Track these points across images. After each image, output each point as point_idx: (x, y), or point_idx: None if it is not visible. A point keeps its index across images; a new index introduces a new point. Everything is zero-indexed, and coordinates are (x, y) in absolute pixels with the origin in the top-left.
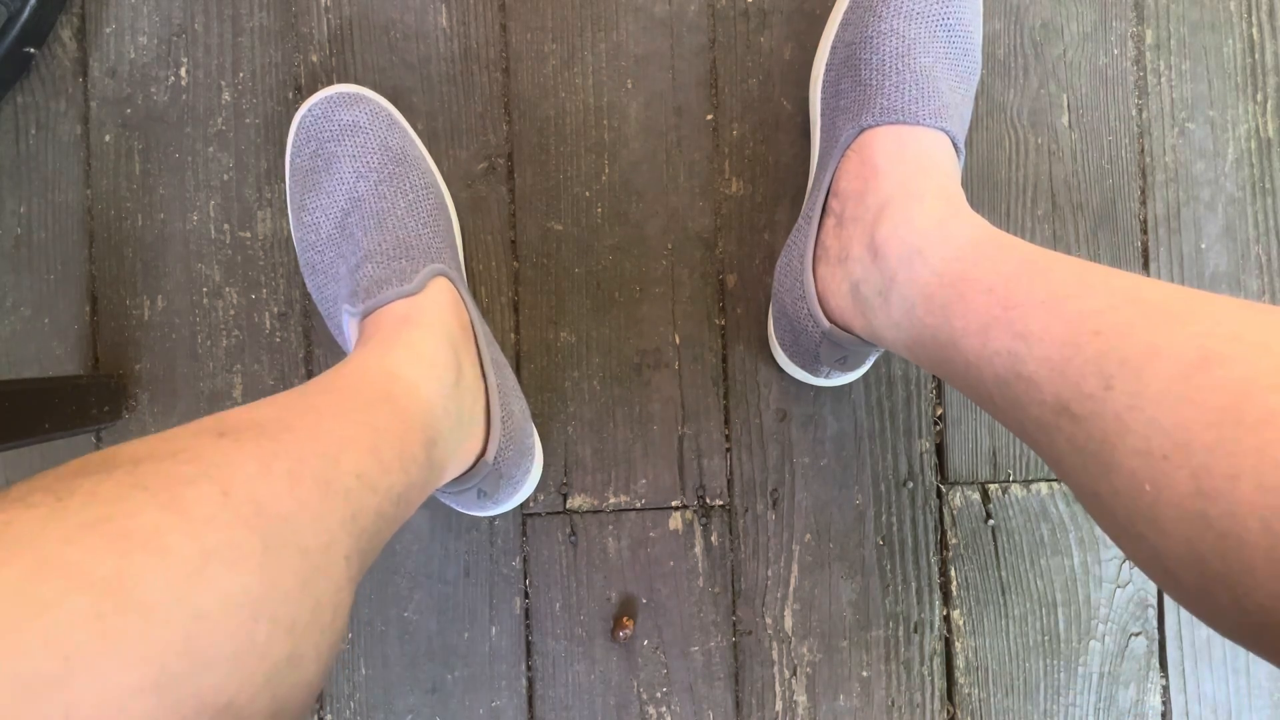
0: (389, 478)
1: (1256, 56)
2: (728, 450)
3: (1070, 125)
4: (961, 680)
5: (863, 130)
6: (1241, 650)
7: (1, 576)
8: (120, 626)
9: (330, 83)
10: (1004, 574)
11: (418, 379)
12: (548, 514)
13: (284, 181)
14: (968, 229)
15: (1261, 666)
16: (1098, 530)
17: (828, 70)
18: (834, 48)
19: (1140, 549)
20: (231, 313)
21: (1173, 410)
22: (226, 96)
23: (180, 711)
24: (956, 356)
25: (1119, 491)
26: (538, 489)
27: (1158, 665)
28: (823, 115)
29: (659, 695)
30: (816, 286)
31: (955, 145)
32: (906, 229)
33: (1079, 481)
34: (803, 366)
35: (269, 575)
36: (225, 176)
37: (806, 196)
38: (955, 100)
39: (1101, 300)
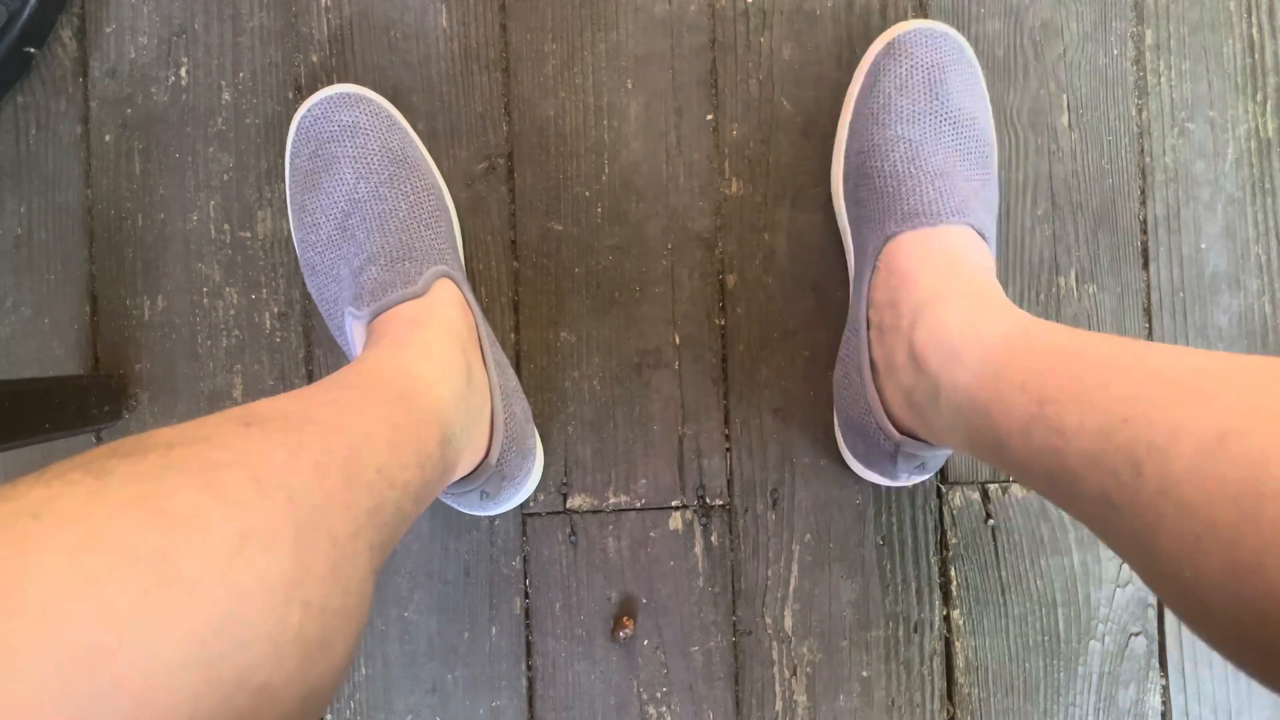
0: (406, 473)
1: (1256, 56)
2: (728, 450)
3: (1070, 125)
4: (961, 680)
5: (888, 239)
6: None
7: (52, 547)
8: (166, 601)
9: (330, 83)
10: (1004, 574)
11: (432, 378)
12: (548, 514)
13: (284, 181)
14: (999, 324)
15: None
16: None
17: (845, 181)
18: (846, 157)
19: (1196, 627)
20: (231, 313)
21: (1198, 489)
22: (226, 96)
23: (220, 689)
24: (1006, 455)
25: (1165, 576)
26: (538, 489)
27: (1158, 665)
28: (850, 225)
29: (659, 695)
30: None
31: (983, 235)
32: (940, 333)
33: (1135, 568)
34: (880, 474)
35: (302, 560)
36: (225, 176)
37: (850, 308)
38: (974, 189)
39: (1132, 386)
